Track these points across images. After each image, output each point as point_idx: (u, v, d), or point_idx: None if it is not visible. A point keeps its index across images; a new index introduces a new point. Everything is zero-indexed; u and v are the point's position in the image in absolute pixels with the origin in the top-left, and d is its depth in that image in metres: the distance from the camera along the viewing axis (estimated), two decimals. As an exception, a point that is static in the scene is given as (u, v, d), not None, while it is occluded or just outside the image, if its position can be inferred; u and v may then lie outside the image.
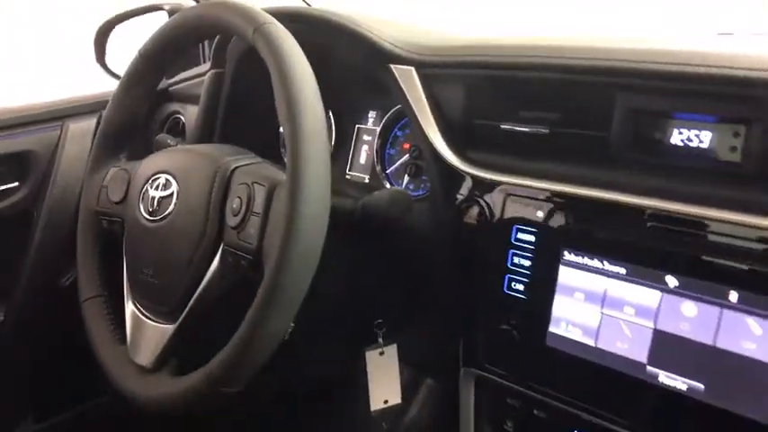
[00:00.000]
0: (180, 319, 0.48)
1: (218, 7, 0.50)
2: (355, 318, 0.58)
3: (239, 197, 0.45)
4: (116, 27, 0.86)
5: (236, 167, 0.48)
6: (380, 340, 0.58)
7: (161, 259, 0.49)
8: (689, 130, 0.39)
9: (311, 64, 0.42)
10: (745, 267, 0.34)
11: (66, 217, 0.75)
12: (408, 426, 0.60)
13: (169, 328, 0.49)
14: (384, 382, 0.59)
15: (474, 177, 0.47)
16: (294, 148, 0.40)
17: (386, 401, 0.60)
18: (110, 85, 0.79)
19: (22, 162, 0.76)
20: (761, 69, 0.35)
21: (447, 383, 0.52)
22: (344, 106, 0.73)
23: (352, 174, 0.74)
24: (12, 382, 0.79)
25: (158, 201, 0.50)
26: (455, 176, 0.48)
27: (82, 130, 0.80)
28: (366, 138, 0.73)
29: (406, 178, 0.65)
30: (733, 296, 0.35)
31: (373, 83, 0.55)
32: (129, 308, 0.53)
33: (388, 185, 0.67)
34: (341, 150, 0.75)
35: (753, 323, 0.34)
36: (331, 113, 0.75)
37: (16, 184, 0.76)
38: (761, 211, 0.34)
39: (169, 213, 0.49)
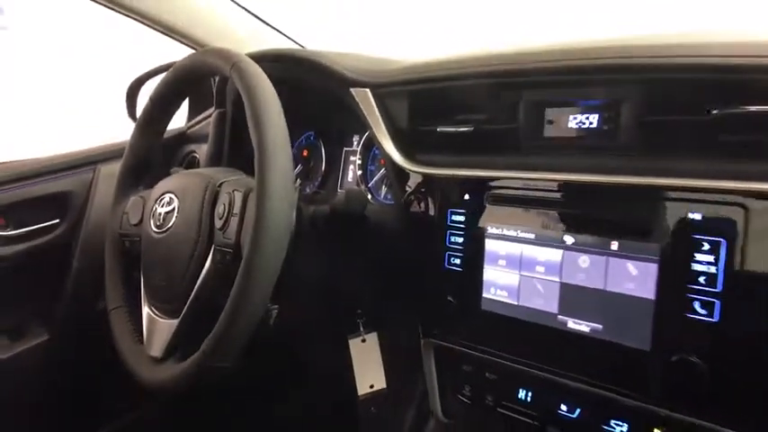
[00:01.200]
0: (182, 313, 0.57)
1: (205, 53, 0.61)
2: (337, 309, 0.65)
3: (224, 203, 0.54)
4: (145, 83, 1.00)
5: (224, 182, 0.57)
6: (362, 329, 0.65)
7: (167, 264, 0.59)
8: (583, 115, 0.46)
9: (295, 97, 0.52)
10: (620, 220, 0.41)
11: (99, 248, 0.87)
12: (395, 407, 0.66)
13: (174, 322, 0.58)
14: (368, 368, 0.66)
15: (417, 174, 0.55)
16: (260, 158, 0.49)
17: (371, 386, 0.66)
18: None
19: (61, 201, 0.88)
20: (623, 57, 0.42)
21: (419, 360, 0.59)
22: (332, 133, 0.83)
23: (341, 191, 0.83)
24: (55, 396, 0.90)
25: (163, 216, 0.60)
26: (404, 175, 0.57)
27: (112, 172, 0.92)
28: (352, 158, 0.83)
29: (384, 189, 0.74)
30: (614, 245, 0.41)
31: (352, 111, 0.65)
32: (145, 311, 0.63)
33: (370, 197, 0.76)
34: (333, 170, 0.84)
35: (631, 266, 0.40)
36: (321, 140, 0.85)
37: (57, 221, 0.88)
38: (630, 173, 0.41)
39: (171, 225, 0.58)
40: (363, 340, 0.66)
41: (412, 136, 0.58)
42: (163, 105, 0.68)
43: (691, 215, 0.38)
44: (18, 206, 0.86)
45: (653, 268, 0.39)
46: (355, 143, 0.82)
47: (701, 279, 0.37)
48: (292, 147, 0.90)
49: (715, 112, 0.38)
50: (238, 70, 0.54)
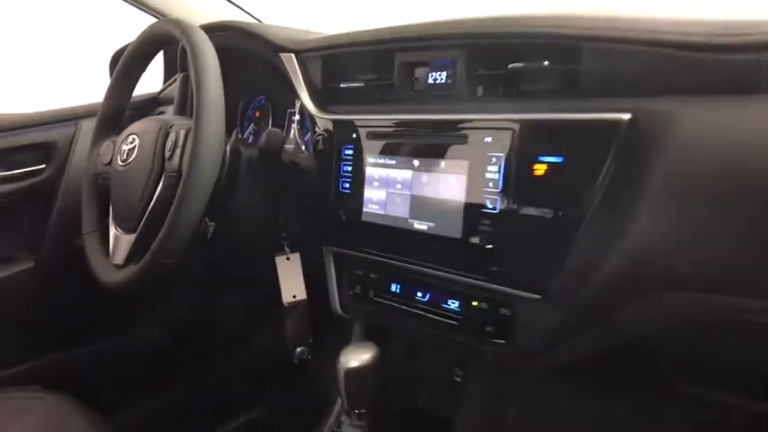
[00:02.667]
0: (139, 228, 0.72)
1: (164, 23, 0.76)
2: (267, 232, 0.81)
3: (172, 140, 0.69)
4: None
5: (173, 124, 0.72)
6: (286, 249, 0.81)
7: (128, 190, 0.74)
8: (436, 72, 0.62)
9: (248, 68, 0.67)
10: (447, 146, 0.57)
11: (79, 189, 1.02)
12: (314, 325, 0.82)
13: (133, 236, 0.74)
14: (291, 282, 0.82)
15: (324, 119, 0.71)
16: (198, 105, 0.64)
17: (294, 296, 0.82)
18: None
19: (47, 150, 1.03)
20: (454, 29, 0.58)
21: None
22: (279, 98, 0.98)
23: (286, 147, 0.98)
24: (39, 316, 1.05)
25: (126, 152, 0.75)
26: (315, 122, 0.72)
27: (90, 127, 1.07)
28: (293, 118, 0.98)
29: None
30: (443, 165, 0.57)
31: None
32: (112, 231, 0.78)
33: (304, 148, 0.91)
34: (279, 128, 1.00)
35: (452, 179, 0.56)
36: (270, 103, 1.01)
37: (43, 166, 1.03)
38: (458, 112, 0.57)
39: (133, 159, 0.73)
40: (288, 258, 0.81)
41: (323, 91, 0.74)
42: (131, 67, 0.83)
43: (486, 139, 0.53)
44: (10, 152, 1.02)
45: (463, 179, 0.55)
46: (297, 106, 0.97)
47: (490, 183, 0.53)
48: (248, 110, 1.05)
49: (510, 66, 0.54)
50: (188, 37, 0.69)
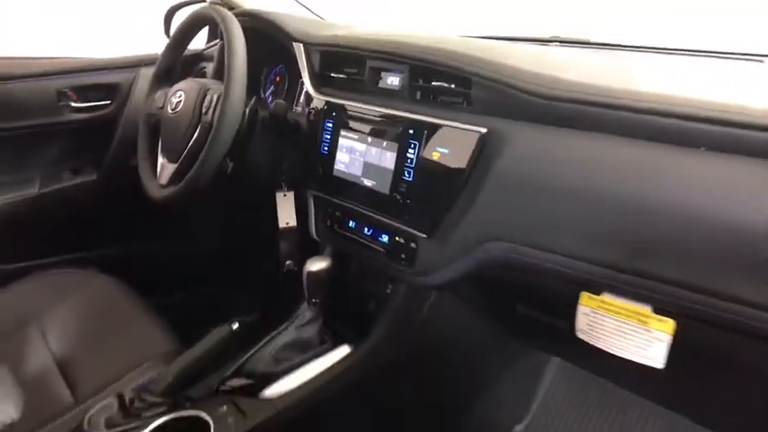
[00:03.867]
0: (179, 160, 1.02)
1: (207, 9, 1.03)
2: (270, 176, 1.10)
3: (208, 100, 0.98)
4: (179, 10, 1.42)
5: (209, 87, 1.00)
6: (284, 188, 1.10)
7: (174, 132, 1.03)
8: (391, 77, 0.88)
9: (271, 43, 0.94)
10: (388, 132, 0.84)
11: (135, 122, 1.32)
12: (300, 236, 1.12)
13: (175, 165, 1.03)
14: (286, 212, 1.12)
15: (318, 99, 0.98)
16: (227, 78, 0.92)
17: (287, 223, 1.12)
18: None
19: (112, 89, 1.33)
20: (406, 50, 0.84)
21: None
22: (294, 68, 1.25)
23: (295, 109, 1.26)
24: (98, 216, 1.38)
25: (175, 103, 1.04)
26: (311, 99, 1.00)
27: (147, 74, 1.36)
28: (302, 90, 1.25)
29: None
30: (384, 144, 0.84)
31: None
32: (160, 160, 1.08)
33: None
34: (293, 92, 1.27)
35: (388, 154, 0.83)
36: (287, 72, 1.27)
37: (109, 102, 1.33)
38: (402, 110, 0.84)
39: (179, 109, 1.02)
40: (285, 195, 1.11)
41: (319, 76, 1.01)
42: (182, 37, 1.11)
43: (410, 131, 0.80)
44: (85, 88, 1.32)
45: (394, 155, 0.82)
46: (299, 83, 1.24)
47: (408, 160, 0.80)
48: (270, 75, 1.32)
49: (432, 83, 0.80)
50: (224, 24, 0.96)
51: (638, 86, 0.63)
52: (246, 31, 0.96)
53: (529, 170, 0.68)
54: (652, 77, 0.70)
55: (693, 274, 0.56)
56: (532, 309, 0.80)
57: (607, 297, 0.63)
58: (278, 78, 1.31)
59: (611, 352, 0.63)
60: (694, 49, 1.00)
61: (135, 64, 1.37)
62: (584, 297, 0.64)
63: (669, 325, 0.59)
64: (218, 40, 1.38)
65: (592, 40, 1.16)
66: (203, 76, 1.38)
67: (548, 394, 1.23)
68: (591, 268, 0.63)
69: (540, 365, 1.26)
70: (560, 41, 1.18)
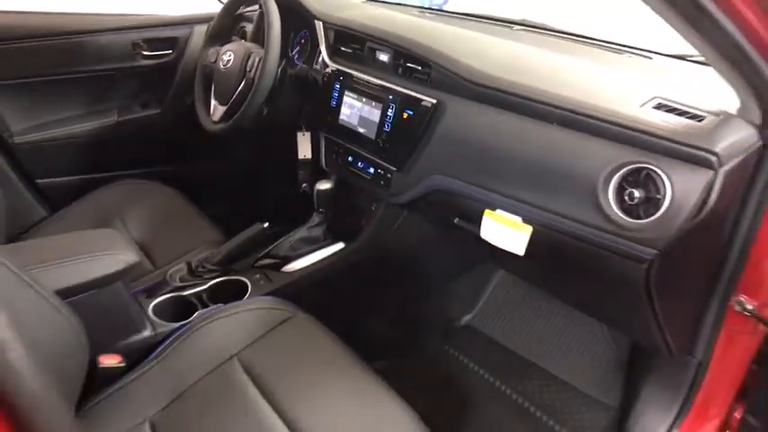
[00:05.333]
0: (229, 103, 1.41)
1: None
2: (293, 120, 1.49)
3: (251, 61, 1.35)
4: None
5: (253, 51, 1.38)
6: (303, 129, 1.49)
7: (225, 83, 1.41)
8: (382, 55, 1.25)
9: (295, 11, 1.32)
10: (374, 94, 1.21)
11: (192, 70, 1.69)
12: (313, 167, 1.52)
13: (225, 107, 1.42)
14: (304, 147, 1.51)
15: (330, 65, 1.35)
16: (267, 42, 1.29)
17: (305, 155, 1.52)
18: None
19: (172, 42, 1.70)
20: (391, 37, 1.20)
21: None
22: (314, 34, 1.61)
23: (315, 66, 1.62)
24: (162, 140, 1.78)
25: (226, 60, 1.41)
26: (326, 65, 1.37)
27: (201, 30, 1.72)
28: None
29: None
30: (373, 103, 1.22)
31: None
32: (213, 101, 1.47)
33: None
34: (315, 53, 1.63)
35: (375, 111, 1.21)
36: (310, 37, 1.63)
37: (170, 51, 1.71)
38: (388, 80, 1.21)
39: (229, 65, 1.40)
40: (303, 134, 1.50)
41: (333, 48, 1.37)
42: (233, 6, 1.47)
43: (389, 96, 1.18)
44: (153, 41, 1.69)
45: (378, 112, 1.20)
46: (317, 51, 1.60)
47: (388, 116, 1.18)
48: (296, 37, 1.68)
49: (406, 64, 1.17)
50: (264, 2, 1.32)
51: (536, 80, 1.00)
52: (279, 6, 1.32)
53: (460, 130, 1.06)
54: (557, 72, 1.06)
55: (544, 200, 0.95)
56: (461, 220, 1.19)
57: (498, 212, 1.02)
58: (302, 41, 1.67)
59: (495, 244, 1.03)
60: (613, 42, 1.33)
61: (190, 22, 1.73)
62: (486, 212, 1.04)
63: (528, 229, 0.99)
64: (255, 7, 1.73)
65: (554, 28, 1.49)
66: (243, 34, 1.74)
67: (491, 295, 1.66)
68: (490, 194, 1.02)
69: (488, 274, 1.67)
70: (526, 26, 1.51)
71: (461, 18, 1.59)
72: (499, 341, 1.59)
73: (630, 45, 1.30)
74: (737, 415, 1.10)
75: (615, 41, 1.34)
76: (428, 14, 1.66)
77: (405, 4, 1.84)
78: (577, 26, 1.45)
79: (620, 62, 1.23)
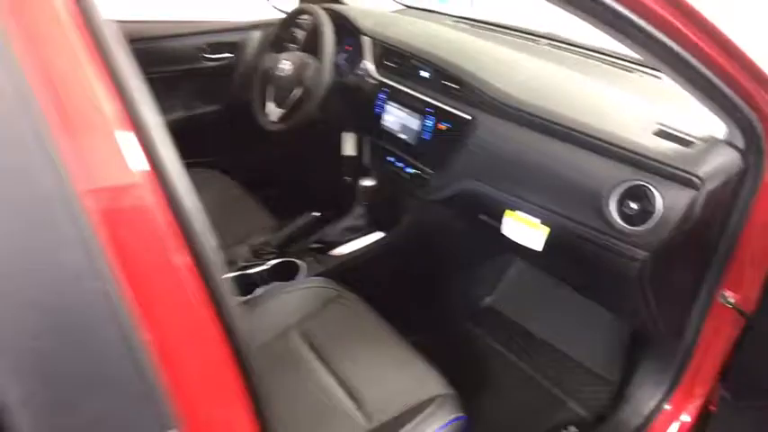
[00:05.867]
0: (285, 105, 1.61)
1: (306, 6, 1.59)
2: (340, 121, 1.68)
3: (307, 70, 1.55)
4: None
5: (309, 62, 1.57)
6: (349, 129, 1.69)
7: (282, 88, 1.61)
8: (423, 72, 1.43)
9: (343, 26, 1.52)
10: (414, 106, 1.40)
11: (248, 70, 1.88)
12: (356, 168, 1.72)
13: (281, 111, 1.63)
14: (349, 146, 1.72)
15: (376, 77, 1.54)
16: (322, 55, 1.49)
17: (349, 153, 1.72)
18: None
19: (232, 46, 1.91)
20: (430, 57, 1.39)
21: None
22: (359, 43, 1.79)
23: (359, 72, 1.81)
24: (223, 134, 1.99)
25: (284, 69, 1.61)
26: (370, 75, 1.56)
27: (257, 36, 1.91)
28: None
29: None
30: (415, 114, 1.41)
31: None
32: (269, 104, 1.68)
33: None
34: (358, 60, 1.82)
35: (416, 121, 1.40)
36: (355, 44, 1.82)
37: (232, 55, 1.91)
38: (428, 95, 1.39)
39: (288, 73, 1.60)
40: (349, 134, 1.70)
41: (378, 61, 1.56)
42: (290, 20, 1.67)
43: (427, 108, 1.37)
44: (215, 44, 1.89)
45: (418, 122, 1.39)
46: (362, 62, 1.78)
47: (426, 126, 1.37)
48: (342, 45, 1.86)
49: (442, 82, 1.35)
50: (319, 17, 1.52)
51: (557, 104, 1.17)
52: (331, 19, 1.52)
53: (489, 143, 1.25)
54: (575, 96, 1.23)
55: (559, 206, 1.14)
56: (486, 216, 1.38)
57: (518, 213, 1.21)
58: (347, 47, 1.85)
59: (515, 240, 1.22)
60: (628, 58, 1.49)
61: (248, 28, 1.93)
62: (507, 212, 1.23)
63: (546, 230, 1.18)
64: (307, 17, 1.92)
65: (576, 43, 1.64)
66: (294, 40, 1.93)
67: (509, 280, 1.86)
68: (513, 198, 1.21)
69: (506, 262, 1.87)
70: (550, 39, 1.68)
71: (493, 30, 1.76)
72: (515, 321, 1.79)
73: (642, 63, 1.46)
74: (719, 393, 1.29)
75: (629, 57, 1.49)
76: (462, 25, 1.82)
77: (440, 12, 2.01)
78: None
79: (633, 82, 1.39)
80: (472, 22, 1.87)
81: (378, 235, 1.60)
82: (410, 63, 1.47)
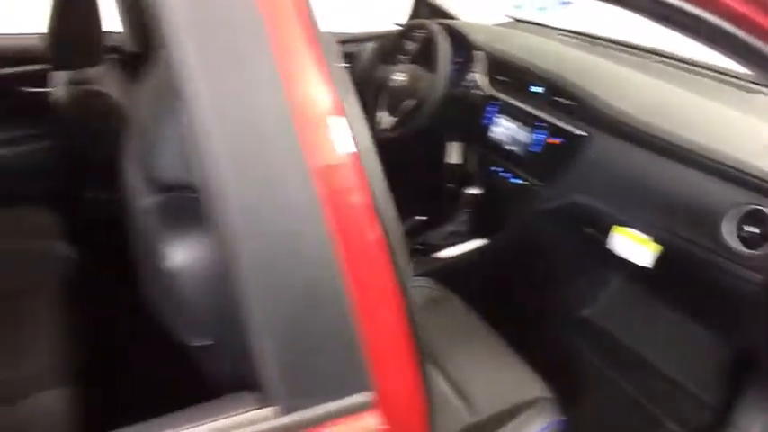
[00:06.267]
0: (398, 115, 1.71)
1: (426, 22, 1.68)
2: (446, 131, 1.77)
3: (421, 83, 1.64)
4: None
5: (422, 76, 1.66)
6: (455, 138, 1.77)
7: (395, 99, 1.72)
8: (536, 88, 1.48)
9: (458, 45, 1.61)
10: (525, 119, 1.46)
11: (359, 80, 2.01)
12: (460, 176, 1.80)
13: (394, 119, 1.73)
14: (454, 154, 1.79)
15: (486, 91, 1.61)
16: (437, 70, 1.58)
17: (454, 160, 1.80)
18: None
19: (350, 56, 2.04)
20: (544, 73, 1.43)
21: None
22: (469, 55, 1.86)
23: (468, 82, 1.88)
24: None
25: (397, 80, 1.71)
26: (479, 88, 1.62)
27: (368, 47, 2.03)
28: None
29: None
30: (525, 127, 1.46)
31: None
32: (381, 111, 1.79)
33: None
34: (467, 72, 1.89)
35: (524, 133, 1.46)
36: (465, 56, 1.89)
37: (348, 65, 2.05)
38: (542, 111, 1.44)
39: (402, 84, 1.70)
40: (455, 143, 1.78)
41: (489, 75, 1.62)
42: (404, 34, 1.77)
43: (538, 123, 1.42)
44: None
45: (529, 135, 1.45)
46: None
47: (538, 139, 1.42)
48: (456, 58, 1.94)
49: (553, 98, 1.40)
50: (434, 34, 1.61)
51: (671, 123, 1.19)
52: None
53: (603, 160, 1.29)
54: (690, 115, 1.24)
55: (673, 226, 1.16)
56: (592, 230, 1.41)
57: (628, 229, 1.24)
58: (459, 60, 1.93)
59: (622, 255, 1.25)
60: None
61: (362, 40, 2.06)
62: (616, 228, 1.26)
63: (658, 248, 1.19)
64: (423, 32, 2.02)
65: (687, 59, 1.62)
66: (405, 51, 2.03)
67: (611, 295, 1.86)
68: (622, 214, 1.24)
69: (608, 276, 1.87)
70: (661, 55, 1.67)
71: (602, 45, 1.77)
72: (613, 335, 1.79)
73: (755, 80, 1.42)
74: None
75: (740, 74, 1.46)
76: (572, 40, 1.85)
77: (548, 26, 2.04)
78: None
79: (748, 102, 1.36)
80: (581, 37, 1.89)
81: (480, 242, 1.67)
82: (522, 78, 1.53)
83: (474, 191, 1.66)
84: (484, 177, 1.69)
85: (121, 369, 1.34)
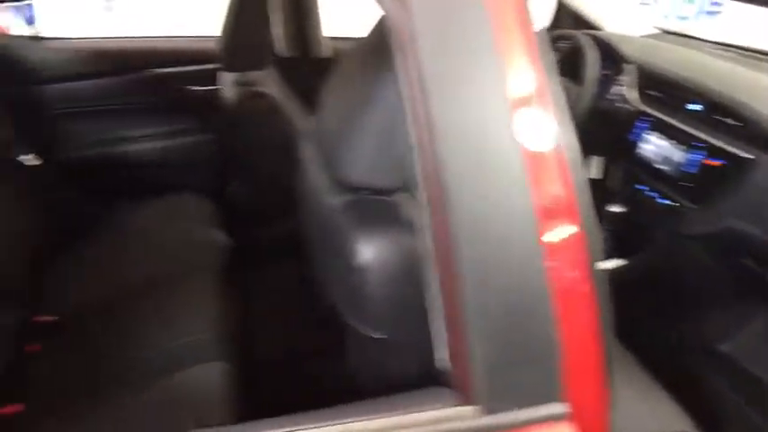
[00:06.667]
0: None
1: (567, 32, 1.65)
2: (586, 144, 1.72)
3: (567, 95, 1.62)
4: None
5: (569, 86, 1.64)
6: (597, 150, 1.73)
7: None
8: (693, 104, 1.41)
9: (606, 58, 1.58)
10: (677, 136, 1.39)
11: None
12: (600, 192, 1.76)
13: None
14: (594, 167, 1.75)
15: (636, 106, 1.55)
16: (585, 84, 1.55)
17: (594, 176, 1.76)
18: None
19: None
20: (702, 89, 1.36)
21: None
22: (617, 72, 1.80)
23: (614, 95, 1.82)
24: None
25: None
26: (627, 102, 1.57)
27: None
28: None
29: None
30: (676, 145, 1.40)
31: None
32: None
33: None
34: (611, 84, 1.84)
35: (679, 151, 1.39)
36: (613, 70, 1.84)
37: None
38: (697, 128, 1.37)
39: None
40: (595, 157, 1.73)
41: (641, 90, 1.56)
42: (553, 42, 1.75)
43: (699, 144, 1.35)
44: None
45: (683, 155, 1.38)
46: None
47: (695, 161, 1.36)
48: (600, 70, 1.89)
49: (688, 107, 1.32)
50: (577, 39, 1.58)
51: None
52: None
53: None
54: None
55: None
56: (752, 261, 1.32)
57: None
58: (605, 73, 1.88)
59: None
60: None
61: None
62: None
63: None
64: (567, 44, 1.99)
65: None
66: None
67: (749, 330, 1.72)
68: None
69: (755, 310, 1.73)
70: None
71: (765, 60, 1.64)
72: (753, 373, 1.66)
73: None
74: None
75: None
76: (729, 54, 1.73)
77: (701, 38, 1.93)
78: None
79: None
80: (739, 50, 1.76)
81: (619, 262, 1.61)
82: (678, 94, 1.46)
83: (616, 208, 1.60)
84: (628, 195, 1.64)
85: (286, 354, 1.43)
